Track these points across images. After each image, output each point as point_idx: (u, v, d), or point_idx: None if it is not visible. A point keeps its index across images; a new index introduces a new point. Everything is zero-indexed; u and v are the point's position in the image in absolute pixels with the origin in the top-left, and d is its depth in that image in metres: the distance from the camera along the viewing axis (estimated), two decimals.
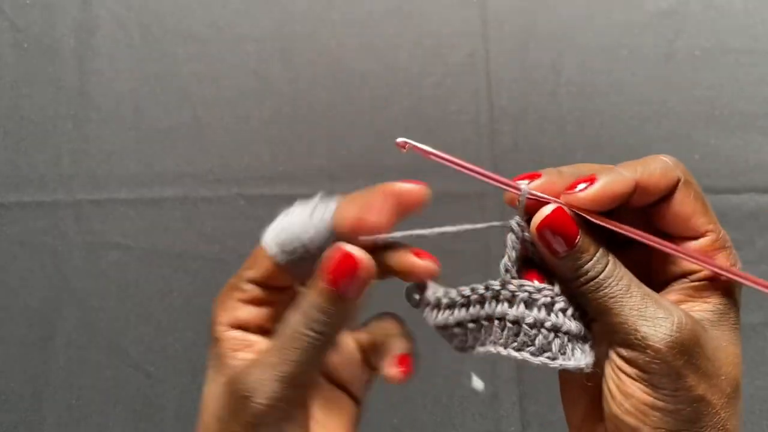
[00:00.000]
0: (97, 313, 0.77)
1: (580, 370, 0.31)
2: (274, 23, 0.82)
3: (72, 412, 0.75)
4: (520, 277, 0.32)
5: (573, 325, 0.31)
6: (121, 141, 0.80)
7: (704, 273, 0.31)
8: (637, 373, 0.29)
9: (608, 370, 0.30)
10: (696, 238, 0.31)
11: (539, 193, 0.30)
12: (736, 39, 0.81)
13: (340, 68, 0.81)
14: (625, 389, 0.29)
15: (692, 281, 0.31)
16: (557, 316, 0.31)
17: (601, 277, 0.30)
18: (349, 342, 0.36)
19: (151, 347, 0.76)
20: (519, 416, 0.73)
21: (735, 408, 0.30)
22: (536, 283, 0.32)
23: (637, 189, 0.30)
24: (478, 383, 0.34)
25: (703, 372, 0.29)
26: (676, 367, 0.28)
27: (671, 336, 0.28)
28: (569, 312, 0.31)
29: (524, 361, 0.31)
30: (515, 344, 0.31)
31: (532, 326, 0.31)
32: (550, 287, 0.31)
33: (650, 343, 0.28)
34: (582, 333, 0.31)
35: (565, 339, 0.31)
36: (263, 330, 0.34)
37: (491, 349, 0.32)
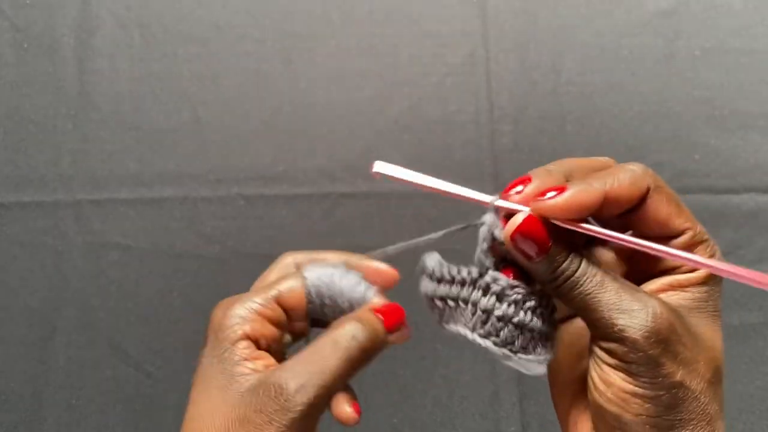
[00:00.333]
0: (97, 313, 0.77)
1: (539, 365, 0.33)
2: (274, 23, 0.82)
3: (72, 412, 0.75)
4: (498, 271, 0.33)
5: (539, 324, 0.32)
6: (121, 141, 0.80)
7: (686, 268, 0.32)
8: (617, 363, 0.30)
9: (591, 362, 0.32)
10: (675, 237, 0.32)
11: (509, 204, 0.32)
12: (736, 39, 0.81)
13: (340, 68, 0.81)
14: (606, 379, 0.30)
15: (674, 274, 0.32)
16: (525, 314, 0.32)
17: (575, 276, 0.30)
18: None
19: (151, 347, 0.76)
20: (519, 416, 0.73)
21: (716, 392, 0.30)
22: (510, 280, 0.33)
23: (607, 200, 0.30)
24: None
25: (680, 359, 0.29)
26: (654, 355, 0.29)
27: (647, 326, 0.29)
28: (538, 311, 0.33)
29: (486, 349, 0.33)
30: (482, 331, 0.33)
31: (499, 319, 0.32)
32: (523, 286, 0.33)
33: (627, 334, 0.29)
34: (546, 332, 0.33)
35: (529, 336, 0.32)
36: (267, 349, 0.36)
37: (461, 329, 0.34)
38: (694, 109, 0.80)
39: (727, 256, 0.76)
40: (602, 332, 0.30)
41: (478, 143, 0.79)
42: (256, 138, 0.79)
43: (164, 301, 0.77)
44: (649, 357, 0.29)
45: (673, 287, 0.32)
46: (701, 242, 0.32)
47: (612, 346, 0.30)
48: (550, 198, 0.30)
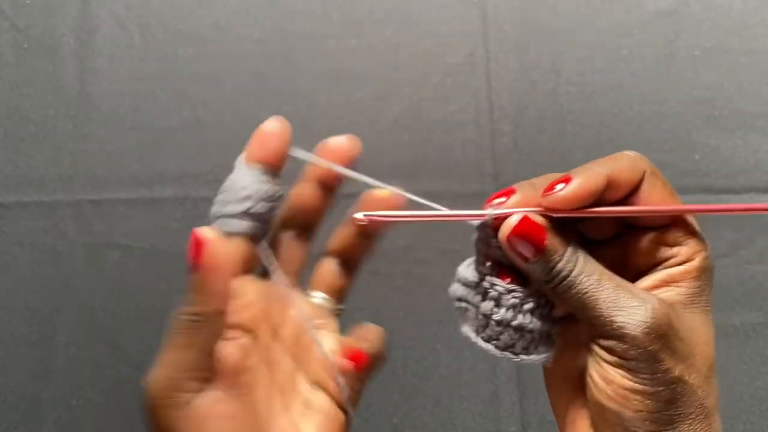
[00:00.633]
0: (97, 313, 0.77)
1: (542, 363, 0.33)
2: (274, 23, 0.82)
3: (72, 412, 0.75)
4: (495, 276, 0.33)
5: (538, 325, 0.33)
6: (121, 141, 0.80)
7: (678, 260, 0.32)
8: (617, 361, 0.30)
9: (590, 360, 0.32)
10: (668, 225, 0.33)
11: (505, 210, 0.32)
12: (736, 39, 0.81)
13: (340, 68, 0.81)
14: (606, 376, 0.30)
15: (665, 267, 0.32)
16: (524, 317, 0.32)
17: (572, 275, 0.31)
18: (328, 344, 0.37)
19: (151, 347, 0.76)
20: (519, 416, 0.73)
21: (711, 386, 0.31)
22: (507, 284, 0.33)
23: (609, 184, 0.31)
24: None
25: (679, 354, 0.30)
26: (653, 351, 0.29)
27: (646, 322, 0.29)
28: (537, 312, 0.33)
29: (488, 351, 0.33)
30: (483, 335, 0.33)
31: (498, 323, 0.32)
32: (520, 289, 0.32)
33: (626, 331, 0.29)
34: (547, 330, 0.33)
35: (530, 338, 0.33)
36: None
37: (468, 332, 0.34)
38: (694, 109, 0.80)
39: (727, 257, 0.77)
40: (601, 330, 0.30)
41: (478, 143, 0.79)
42: None
43: (164, 301, 0.77)
44: (648, 353, 0.29)
45: (667, 283, 0.32)
46: (694, 234, 0.32)
47: (611, 343, 0.30)
48: (560, 190, 0.30)
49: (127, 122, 0.80)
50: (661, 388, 0.29)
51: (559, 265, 0.31)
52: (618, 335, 0.29)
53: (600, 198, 0.31)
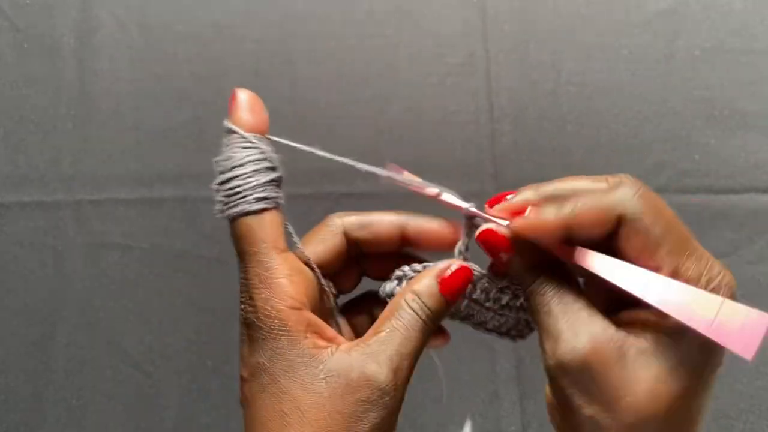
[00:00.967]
0: (97, 313, 0.77)
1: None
2: (274, 23, 0.82)
3: (72, 412, 0.75)
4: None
5: (507, 311, 0.37)
6: (121, 141, 0.80)
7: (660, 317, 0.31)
8: (547, 377, 0.32)
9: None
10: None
11: (480, 212, 0.35)
12: (736, 39, 0.81)
13: (340, 68, 0.81)
14: (547, 388, 0.33)
15: (647, 308, 0.31)
16: (492, 302, 0.37)
17: (529, 289, 0.33)
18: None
19: (151, 347, 0.76)
20: (519, 416, 0.73)
21: None
22: (481, 271, 0.37)
23: (572, 227, 0.31)
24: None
25: (594, 395, 0.30)
26: (562, 384, 0.31)
27: (558, 357, 0.30)
28: (504, 299, 0.37)
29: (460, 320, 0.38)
30: (462, 314, 0.38)
31: (472, 301, 0.37)
32: (490, 277, 0.37)
33: (545, 357, 0.31)
34: (518, 318, 0.38)
35: (503, 319, 0.38)
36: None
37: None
38: (694, 109, 0.80)
39: (727, 257, 0.77)
40: (539, 344, 0.32)
41: (478, 143, 0.79)
42: None
43: (164, 301, 0.77)
44: (558, 384, 0.31)
45: (639, 325, 0.31)
46: (690, 280, 0.29)
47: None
48: (522, 218, 0.33)
49: (127, 122, 0.80)
50: (576, 420, 0.31)
51: (523, 278, 0.33)
52: (542, 358, 0.32)
53: (570, 236, 0.31)
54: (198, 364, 0.76)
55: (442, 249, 0.38)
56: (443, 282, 0.34)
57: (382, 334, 0.33)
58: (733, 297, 0.29)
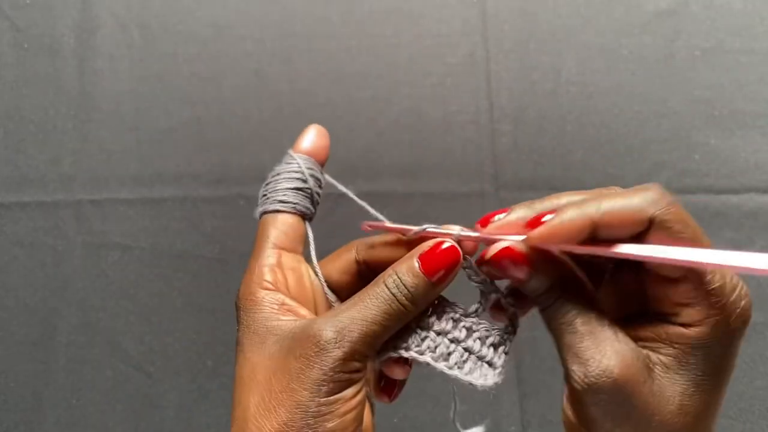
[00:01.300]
0: (97, 313, 0.77)
1: (481, 388, 0.36)
2: (274, 23, 0.82)
3: (72, 412, 0.75)
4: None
5: (476, 345, 0.36)
6: (121, 141, 0.80)
7: (682, 320, 0.30)
8: (568, 396, 0.32)
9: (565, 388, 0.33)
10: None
11: (487, 234, 0.34)
12: (736, 39, 0.81)
13: (340, 68, 0.81)
14: (566, 405, 0.33)
15: (667, 321, 0.31)
16: (460, 332, 0.36)
17: (549, 309, 0.32)
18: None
19: (151, 347, 0.76)
20: (519, 416, 0.73)
21: None
22: (457, 308, 0.36)
23: (599, 226, 0.30)
24: None
25: (624, 417, 0.29)
26: (588, 405, 0.30)
27: (587, 379, 0.29)
28: (476, 333, 0.36)
29: (422, 361, 0.36)
30: (421, 346, 0.36)
31: (438, 333, 0.36)
32: (461, 307, 0.36)
33: (571, 379, 0.30)
34: (485, 356, 0.36)
35: (465, 355, 0.36)
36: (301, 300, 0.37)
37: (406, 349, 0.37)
38: (694, 109, 0.80)
39: None
40: (562, 364, 0.31)
41: (478, 143, 0.79)
42: (256, 138, 0.79)
43: (164, 301, 0.77)
44: (585, 406, 0.30)
45: (662, 340, 0.30)
46: (706, 297, 0.29)
47: (567, 382, 0.31)
48: (540, 225, 0.31)
49: (127, 122, 0.80)
50: None
51: (540, 297, 0.32)
52: (567, 379, 0.31)
53: (594, 236, 0.30)
54: (198, 364, 0.76)
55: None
56: (422, 258, 0.33)
57: (345, 303, 0.33)
58: (750, 306, 0.30)
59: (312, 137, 0.42)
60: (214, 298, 0.76)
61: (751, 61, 0.81)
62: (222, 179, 0.78)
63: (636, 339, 0.31)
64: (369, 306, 0.32)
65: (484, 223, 0.34)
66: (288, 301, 0.35)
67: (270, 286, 0.35)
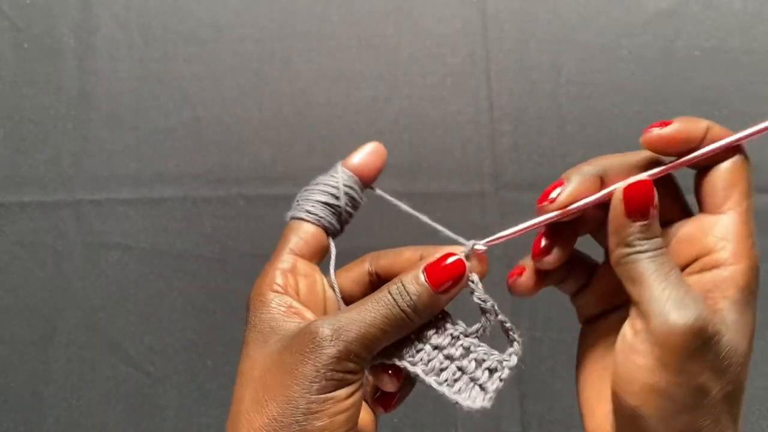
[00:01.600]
0: (97, 313, 0.77)
1: (468, 409, 0.37)
2: (274, 23, 0.82)
3: (72, 412, 0.75)
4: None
5: (470, 365, 0.36)
6: (121, 141, 0.80)
7: (726, 263, 0.33)
8: (649, 350, 0.30)
9: (619, 349, 0.32)
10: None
11: (481, 245, 0.36)
12: (736, 39, 0.81)
13: (340, 68, 0.81)
14: (631, 369, 0.31)
15: (710, 268, 0.33)
16: (456, 350, 0.36)
17: (653, 252, 0.32)
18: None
19: (151, 347, 0.76)
20: (519, 416, 0.73)
21: (731, 407, 0.31)
22: (456, 326, 0.36)
23: (708, 137, 0.34)
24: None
25: (710, 365, 0.30)
26: (687, 350, 0.30)
27: (692, 323, 0.30)
28: (473, 354, 0.36)
29: (414, 374, 0.36)
30: (414, 358, 0.36)
31: (434, 348, 0.36)
32: (463, 327, 0.36)
33: (671, 324, 0.30)
34: (477, 378, 0.37)
35: (458, 374, 0.36)
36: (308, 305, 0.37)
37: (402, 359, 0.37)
38: (694, 109, 0.80)
39: None
40: (648, 311, 0.31)
41: (478, 143, 0.79)
42: (256, 138, 0.79)
43: (164, 301, 0.77)
44: (682, 351, 0.30)
45: (713, 293, 0.32)
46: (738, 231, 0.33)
47: (651, 330, 0.30)
48: (656, 130, 0.35)
49: (127, 122, 0.80)
50: (682, 392, 0.30)
51: (651, 240, 0.32)
52: (663, 324, 0.30)
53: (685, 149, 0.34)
54: (198, 364, 0.76)
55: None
56: (428, 268, 0.34)
57: (348, 307, 0.34)
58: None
59: (364, 155, 0.42)
60: (214, 298, 0.76)
61: (751, 61, 0.81)
62: (222, 179, 0.78)
63: None
64: (369, 309, 0.33)
65: (543, 200, 0.35)
66: (296, 304, 0.35)
67: (279, 289, 0.36)
